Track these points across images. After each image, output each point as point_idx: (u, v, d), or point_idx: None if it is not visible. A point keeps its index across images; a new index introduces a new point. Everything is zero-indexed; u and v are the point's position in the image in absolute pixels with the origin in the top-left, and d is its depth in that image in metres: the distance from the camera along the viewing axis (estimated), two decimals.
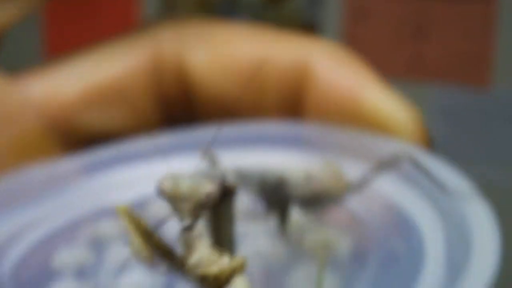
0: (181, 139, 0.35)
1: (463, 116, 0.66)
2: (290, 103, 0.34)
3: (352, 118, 0.32)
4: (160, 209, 0.32)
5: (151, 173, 0.34)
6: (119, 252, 0.29)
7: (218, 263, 0.20)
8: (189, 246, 0.20)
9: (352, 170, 0.31)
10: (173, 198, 0.21)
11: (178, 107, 0.35)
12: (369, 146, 0.32)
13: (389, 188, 0.29)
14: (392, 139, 0.32)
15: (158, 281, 0.27)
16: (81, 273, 0.28)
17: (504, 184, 0.65)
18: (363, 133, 0.32)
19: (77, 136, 0.34)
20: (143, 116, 0.35)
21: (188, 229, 0.20)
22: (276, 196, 0.26)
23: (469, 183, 0.28)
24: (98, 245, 0.30)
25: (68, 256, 0.29)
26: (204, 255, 0.20)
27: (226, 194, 0.22)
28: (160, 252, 0.20)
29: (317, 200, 0.27)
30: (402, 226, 0.28)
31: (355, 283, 0.25)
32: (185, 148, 0.34)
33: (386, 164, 0.26)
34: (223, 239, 0.22)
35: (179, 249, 0.21)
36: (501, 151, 0.65)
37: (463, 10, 0.70)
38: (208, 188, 0.21)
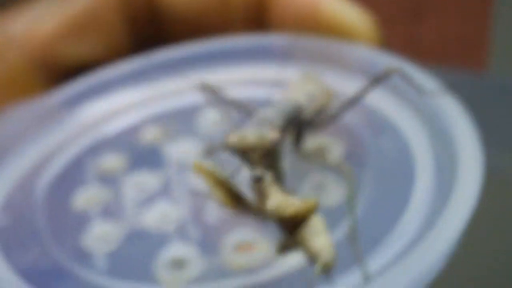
0: (157, 60, 0.36)
1: (459, 99, 0.67)
2: (254, 18, 0.36)
3: (313, 27, 0.35)
4: (152, 133, 0.33)
5: (134, 99, 0.35)
6: (133, 185, 0.31)
7: (293, 205, 0.22)
8: (263, 193, 0.23)
9: (328, 77, 0.33)
10: (242, 150, 0.24)
11: (148, 29, 0.37)
12: (339, 51, 0.34)
13: (373, 96, 0.32)
14: (354, 43, 0.34)
15: (183, 210, 0.30)
16: (107, 211, 0.30)
17: (499, 167, 0.67)
18: (328, 39, 0.34)
19: (57, 69, 0.36)
20: (116, 42, 0.36)
21: (260, 178, 0.23)
22: (295, 121, 0.28)
23: (440, 83, 0.31)
24: (109, 181, 0.31)
25: (87, 197, 0.31)
26: (278, 200, 0.22)
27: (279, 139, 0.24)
28: (238, 199, 0.23)
29: (318, 117, 0.29)
30: (387, 130, 0.31)
31: (358, 184, 0.28)
32: (163, 69, 0.36)
33: (379, 79, 0.28)
34: (279, 176, 0.24)
35: (252, 195, 0.23)
36: (497, 135, 0.67)
37: None
38: (271, 135, 0.23)
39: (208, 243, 0.28)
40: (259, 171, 0.23)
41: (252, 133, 0.24)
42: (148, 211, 0.30)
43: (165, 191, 0.30)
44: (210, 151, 0.30)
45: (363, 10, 0.35)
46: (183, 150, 0.32)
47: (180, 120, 0.34)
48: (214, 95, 0.30)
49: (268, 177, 0.23)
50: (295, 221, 0.22)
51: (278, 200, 0.22)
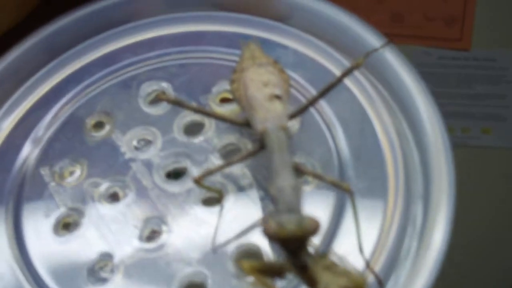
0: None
1: (442, 76, 0.62)
2: None
3: None
4: (95, 121, 0.32)
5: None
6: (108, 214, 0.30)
7: (341, 282, 0.23)
8: (311, 277, 0.24)
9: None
10: (281, 239, 0.24)
11: None
12: None
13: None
14: None
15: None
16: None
17: (481, 141, 0.63)
18: None
19: None
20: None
21: (306, 266, 0.23)
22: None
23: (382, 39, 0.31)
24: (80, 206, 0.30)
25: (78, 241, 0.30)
26: (327, 279, 0.23)
27: None
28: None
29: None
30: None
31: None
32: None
33: (347, 72, 0.28)
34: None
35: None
36: (480, 110, 0.63)
37: None
38: (311, 224, 0.24)
39: None
40: (302, 259, 0.24)
41: (291, 222, 0.24)
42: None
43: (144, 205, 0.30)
44: (202, 176, 0.29)
45: None
46: (137, 139, 0.31)
47: (116, 99, 0.33)
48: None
49: (312, 261, 0.24)
50: None
51: (326, 279, 0.23)
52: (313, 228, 0.24)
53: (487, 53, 0.65)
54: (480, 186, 0.64)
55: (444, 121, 0.29)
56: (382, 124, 0.30)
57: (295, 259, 0.24)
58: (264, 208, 0.28)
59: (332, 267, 0.24)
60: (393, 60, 0.31)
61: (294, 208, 0.25)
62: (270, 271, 0.24)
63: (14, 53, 0.33)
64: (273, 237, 0.24)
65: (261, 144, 0.28)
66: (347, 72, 0.28)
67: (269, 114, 0.28)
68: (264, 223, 0.24)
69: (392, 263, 0.27)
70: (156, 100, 0.32)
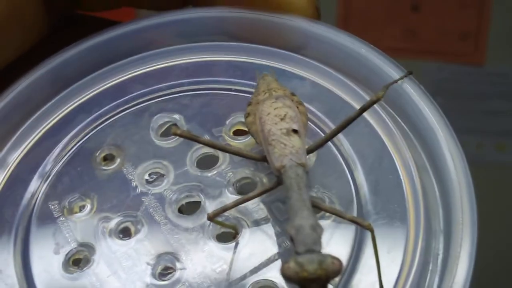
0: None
1: (456, 91, 0.62)
2: None
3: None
4: (104, 153, 0.31)
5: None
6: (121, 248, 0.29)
7: None
8: None
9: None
10: (301, 281, 0.23)
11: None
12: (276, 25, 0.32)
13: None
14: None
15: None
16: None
17: (495, 157, 0.63)
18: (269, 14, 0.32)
19: None
20: (36, 29, 0.34)
21: None
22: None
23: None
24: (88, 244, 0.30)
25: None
26: None
27: None
28: None
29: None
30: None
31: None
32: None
33: (368, 106, 0.28)
34: None
35: None
36: (494, 126, 0.63)
37: None
38: (335, 264, 0.23)
39: None
40: None
41: (312, 262, 0.23)
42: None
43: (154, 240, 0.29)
44: (216, 214, 0.28)
45: None
46: (149, 173, 0.31)
47: (126, 131, 0.32)
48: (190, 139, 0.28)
49: None
50: None
51: None
52: (336, 268, 0.23)
53: (501, 68, 0.65)
54: (494, 203, 0.64)
55: (465, 155, 0.28)
56: (401, 157, 0.29)
57: None
58: (280, 244, 0.28)
59: None
60: (413, 92, 0.30)
61: (314, 248, 0.24)
62: None
63: (22, 85, 0.32)
64: (293, 279, 0.23)
65: (278, 181, 0.27)
66: (368, 106, 0.28)
67: (287, 150, 0.27)
68: (282, 264, 0.23)
69: None
70: (168, 132, 0.31)
